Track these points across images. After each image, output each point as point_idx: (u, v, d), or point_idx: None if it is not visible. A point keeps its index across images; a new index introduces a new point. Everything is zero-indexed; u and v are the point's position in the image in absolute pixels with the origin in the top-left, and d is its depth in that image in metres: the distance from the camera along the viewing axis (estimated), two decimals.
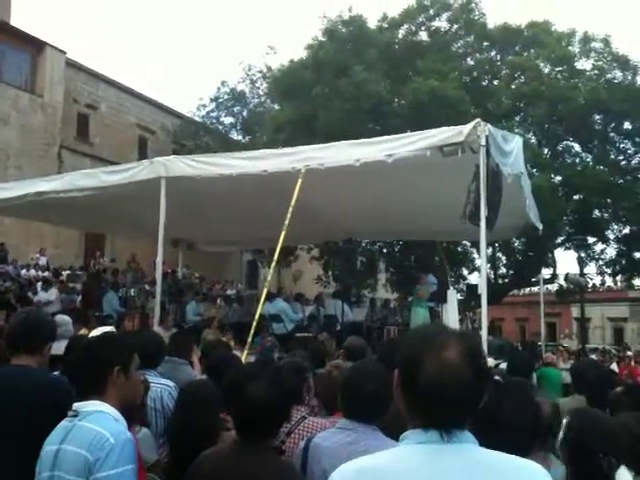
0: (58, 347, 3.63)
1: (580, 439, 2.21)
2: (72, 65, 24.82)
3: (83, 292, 14.37)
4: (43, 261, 18.54)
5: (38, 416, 2.66)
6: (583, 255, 20.57)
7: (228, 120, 30.08)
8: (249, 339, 6.74)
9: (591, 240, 21.87)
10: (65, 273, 17.44)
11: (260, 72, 28.09)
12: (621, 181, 21.07)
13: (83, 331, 7.39)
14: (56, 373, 3.28)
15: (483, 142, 6.22)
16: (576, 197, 21.28)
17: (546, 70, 21.66)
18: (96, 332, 4.08)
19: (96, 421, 2.07)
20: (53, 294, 13.86)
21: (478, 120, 6.44)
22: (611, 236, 22.51)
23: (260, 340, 9.36)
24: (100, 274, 17.32)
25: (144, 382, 2.50)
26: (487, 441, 2.04)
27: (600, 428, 2.21)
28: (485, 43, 22.78)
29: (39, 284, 14.99)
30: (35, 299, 13.67)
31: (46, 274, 16.97)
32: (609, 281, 26.28)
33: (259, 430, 2.23)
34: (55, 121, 23.49)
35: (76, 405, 2.15)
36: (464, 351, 1.41)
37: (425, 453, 1.38)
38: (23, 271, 16.90)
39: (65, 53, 24.26)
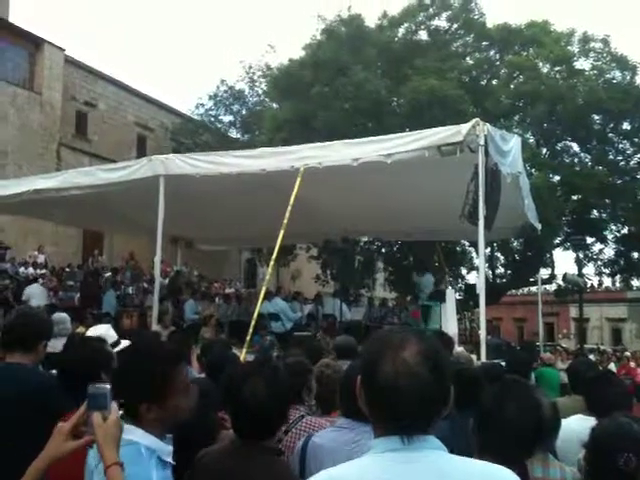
0: (55, 345, 3.61)
1: (604, 441, 2.16)
2: (71, 62, 24.76)
3: (81, 290, 14.34)
4: (41, 259, 18.48)
5: (24, 415, 2.66)
6: (581, 255, 20.56)
7: (227, 118, 30.10)
8: (247, 338, 6.75)
9: (589, 240, 21.87)
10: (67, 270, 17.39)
11: (260, 70, 28.09)
12: (619, 181, 21.09)
13: (80, 329, 7.40)
14: (53, 372, 3.27)
15: (482, 142, 6.23)
16: (575, 197, 21.28)
17: (545, 70, 21.68)
18: (93, 330, 4.05)
19: (122, 458, 1.79)
20: (27, 292, 13.57)
21: (477, 120, 6.45)
22: (609, 236, 22.54)
23: (259, 339, 9.36)
24: (98, 272, 17.28)
25: (188, 397, 2.02)
26: (490, 443, 2.03)
27: (625, 430, 2.17)
28: (484, 42, 22.79)
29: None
30: None
31: (44, 272, 16.94)
32: (607, 281, 26.32)
33: (256, 430, 2.21)
34: (54, 119, 23.44)
35: None
36: (421, 351, 1.38)
37: (385, 462, 1.35)
38: (21, 269, 16.86)
39: (64, 50, 24.20)
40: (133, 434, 1.88)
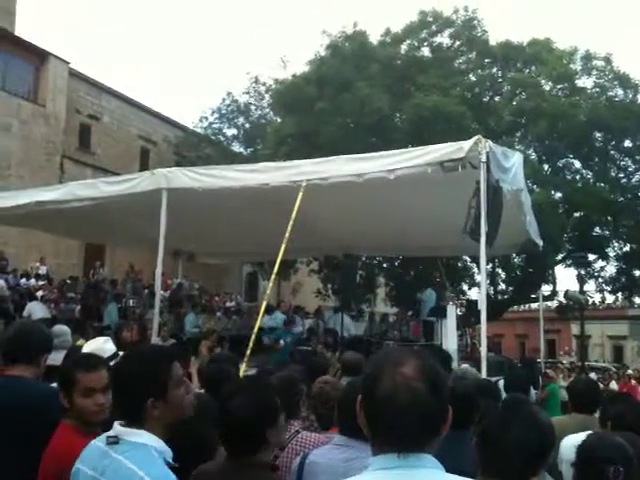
0: (56, 358, 3.60)
1: (591, 454, 2.18)
2: (75, 75, 24.90)
3: (82, 302, 14.32)
4: (43, 270, 18.48)
5: (25, 429, 2.65)
6: (583, 272, 20.55)
7: (230, 132, 30.19)
8: (247, 352, 6.73)
9: (591, 257, 21.85)
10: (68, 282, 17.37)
11: (264, 84, 28.22)
12: (621, 199, 21.12)
13: (80, 342, 7.37)
14: (54, 385, 3.27)
15: (483, 158, 6.25)
16: (576, 214, 21.29)
17: (547, 87, 21.76)
18: (89, 343, 4.02)
19: (138, 460, 1.82)
20: (27, 308, 13.48)
21: (479, 136, 6.47)
22: (611, 253, 22.53)
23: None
24: (99, 284, 17.27)
25: (189, 393, 2.12)
26: (494, 463, 2.00)
27: (609, 442, 2.20)
28: (487, 60, 22.90)
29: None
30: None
31: (44, 282, 16.91)
32: (609, 299, 26.26)
33: (239, 445, 2.20)
34: (57, 131, 23.53)
35: (118, 430, 1.93)
36: (419, 367, 1.38)
37: None
38: (22, 280, 16.85)
39: (69, 63, 24.34)
40: (141, 437, 1.90)
